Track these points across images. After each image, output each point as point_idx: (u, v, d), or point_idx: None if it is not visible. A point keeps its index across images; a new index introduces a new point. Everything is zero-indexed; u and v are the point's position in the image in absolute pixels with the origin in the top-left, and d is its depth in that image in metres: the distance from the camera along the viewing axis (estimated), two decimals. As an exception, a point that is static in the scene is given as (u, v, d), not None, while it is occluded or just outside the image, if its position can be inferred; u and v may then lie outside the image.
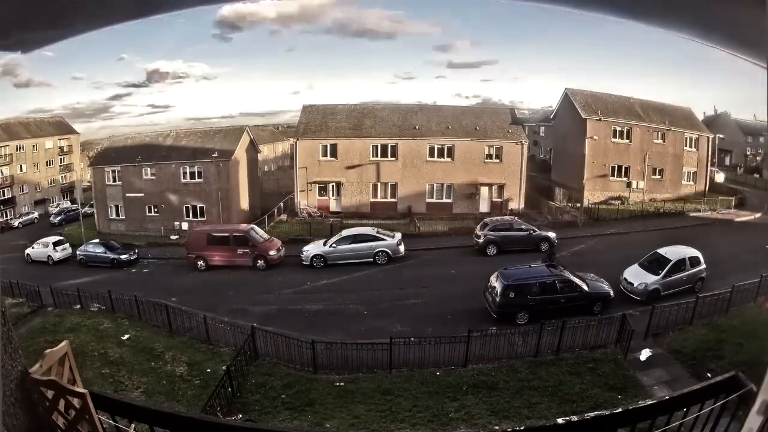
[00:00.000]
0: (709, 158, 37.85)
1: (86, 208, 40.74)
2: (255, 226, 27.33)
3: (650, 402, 2.39)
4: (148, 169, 34.58)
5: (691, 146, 36.35)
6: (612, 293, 17.19)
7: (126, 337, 16.83)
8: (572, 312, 15.78)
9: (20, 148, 48.08)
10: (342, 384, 13.44)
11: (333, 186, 34.12)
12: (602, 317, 15.28)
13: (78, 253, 28.69)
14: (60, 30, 1.62)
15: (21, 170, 48.27)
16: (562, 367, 13.62)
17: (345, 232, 25.35)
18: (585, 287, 17.00)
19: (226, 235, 25.36)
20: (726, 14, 1.41)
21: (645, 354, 13.94)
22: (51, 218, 42.60)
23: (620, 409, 2.30)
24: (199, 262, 25.21)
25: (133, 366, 14.86)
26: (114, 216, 35.40)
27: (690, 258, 18.36)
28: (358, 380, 13.62)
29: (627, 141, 35.24)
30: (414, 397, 12.58)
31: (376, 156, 33.56)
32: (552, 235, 25.02)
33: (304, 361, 14.53)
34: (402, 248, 24.22)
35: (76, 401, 2.31)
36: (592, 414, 2.29)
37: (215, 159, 33.60)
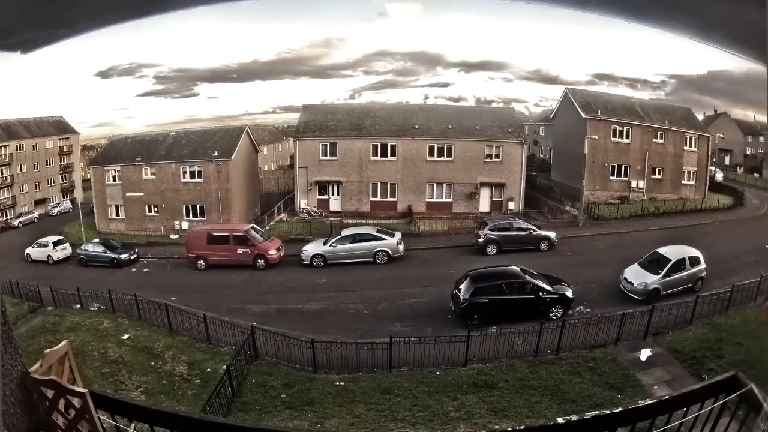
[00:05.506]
0: (709, 158, 37.88)
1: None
2: (255, 225, 27.34)
3: (650, 402, 2.39)
4: (148, 168, 34.59)
5: (690, 146, 36.37)
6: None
7: (126, 336, 16.83)
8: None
9: (20, 147, 48.10)
10: (342, 383, 13.44)
11: (333, 185, 34.13)
12: (602, 316, 15.26)
13: (78, 252, 28.71)
14: (60, 30, 1.62)
15: (21, 170, 48.31)
16: (561, 366, 13.62)
17: (345, 232, 25.36)
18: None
19: (226, 234, 25.35)
20: (726, 14, 1.41)
21: (645, 353, 13.94)
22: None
23: (620, 409, 2.30)
24: (199, 262, 25.22)
25: (132, 365, 14.86)
26: (114, 215, 35.41)
27: (690, 257, 18.35)
28: (358, 380, 13.62)
29: (627, 140, 35.27)
30: (414, 396, 12.58)
31: (376, 155, 33.56)
32: (552, 234, 25.04)
33: (304, 360, 14.53)
34: (402, 247, 24.23)
35: (76, 401, 2.31)
36: (592, 413, 2.29)
37: (215, 159, 33.61)
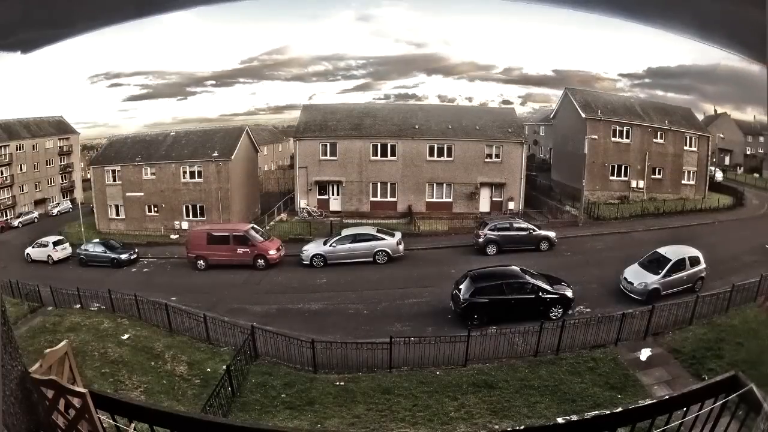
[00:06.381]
0: (709, 158, 37.89)
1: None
2: (255, 225, 27.33)
3: (650, 402, 2.39)
4: (148, 168, 34.59)
5: (690, 146, 36.37)
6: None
7: (126, 336, 16.83)
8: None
9: (20, 147, 48.10)
10: (342, 383, 13.45)
11: (333, 185, 34.13)
12: (602, 316, 15.26)
13: (78, 252, 28.71)
14: (60, 30, 1.62)
15: (21, 170, 48.32)
16: (561, 366, 13.62)
17: (345, 232, 25.35)
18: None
19: (226, 234, 25.34)
20: (726, 14, 1.41)
21: (645, 353, 13.94)
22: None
23: (620, 409, 2.30)
24: (199, 262, 25.21)
25: (133, 365, 14.86)
26: (114, 215, 35.41)
27: (690, 257, 18.35)
28: (358, 379, 13.63)
29: (627, 141, 35.26)
30: (414, 396, 12.58)
31: (376, 155, 33.55)
32: (552, 234, 25.03)
33: (304, 360, 14.53)
34: (402, 247, 24.22)
35: (76, 401, 2.31)
36: (592, 413, 2.29)
37: (215, 159, 33.61)
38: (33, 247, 29.87)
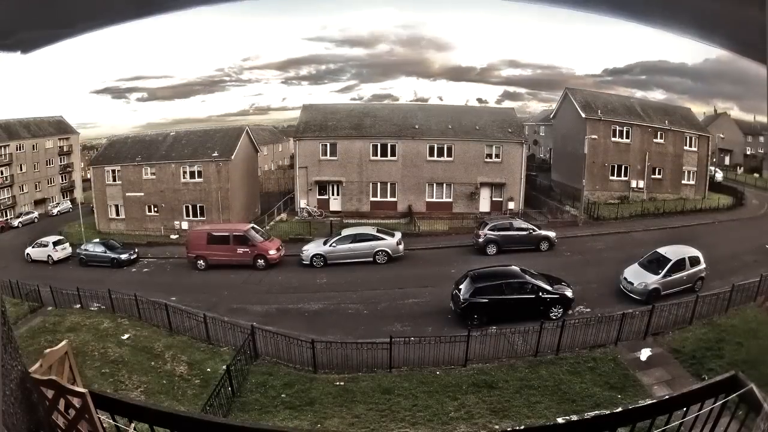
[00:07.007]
0: (709, 158, 37.90)
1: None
2: (255, 225, 27.33)
3: (650, 402, 2.40)
4: (148, 168, 34.60)
5: (690, 146, 36.37)
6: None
7: (126, 336, 16.84)
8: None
9: (20, 147, 48.13)
10: (342, 383, 13.45)
11: (333, 185, 34.13)
12: (602, 316, 15.26)
13: (78, 252, 28.71)
14: (60, 30, 1.62)
15: (21, 170, 48.35)
16: (561, 366, 13.63)
17: (345, 232, 25.35)
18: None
19: (226, 234, 25.34)
20: (726, 14, 1.41)
21: (645, 353, 13.94)
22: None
23: (620, 409, 2.30)
24: (199, 262, 25.21)
25: (132, 365, 14.87)
26: (114, 215, 35.42)
27: (690, 257, 18.35)
28: (358, 379, 13.63)
29: (627, 140, 35.28)
30: (414, 396, 12.58)
31: (376, 155, 33.55)
32: (552, 234, 25.03)
33: (304, 360, 14.54)
34: (402, 247, 24.22)
35: (76, 401, 2.31)
36: (592, 413, 2.30)
37: (215, 159, 33.61)
38: (33, 247, 29.88)
